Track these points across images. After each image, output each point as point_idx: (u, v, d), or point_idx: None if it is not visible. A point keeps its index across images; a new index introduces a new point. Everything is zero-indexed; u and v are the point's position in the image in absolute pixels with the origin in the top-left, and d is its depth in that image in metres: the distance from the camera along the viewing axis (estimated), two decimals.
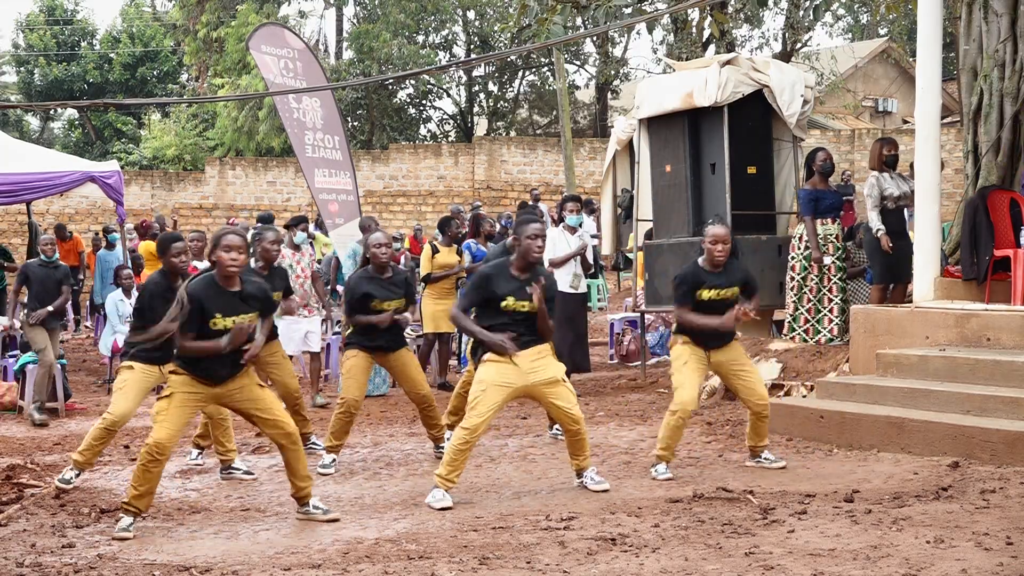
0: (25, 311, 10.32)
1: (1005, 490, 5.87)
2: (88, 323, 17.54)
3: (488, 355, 6.21)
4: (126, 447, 8.33)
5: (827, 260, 9.34)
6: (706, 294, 6.66)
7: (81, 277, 18.47)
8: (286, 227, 11.17)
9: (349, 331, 7.48)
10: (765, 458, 6.90)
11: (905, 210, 9.46)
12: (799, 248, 9.46)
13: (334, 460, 7.34)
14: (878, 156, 9.39)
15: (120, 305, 11.51)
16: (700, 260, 6.75)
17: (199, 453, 7.65)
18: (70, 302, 12.27)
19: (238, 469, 7.14)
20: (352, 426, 7.48)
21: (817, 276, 9.37)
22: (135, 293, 11.79)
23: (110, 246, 15.73)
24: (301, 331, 10.24)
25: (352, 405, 7.26)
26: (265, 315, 6.01)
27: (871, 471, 6.61)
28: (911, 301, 9.04)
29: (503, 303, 6.19)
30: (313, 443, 7.79)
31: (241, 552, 5.27)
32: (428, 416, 7.55)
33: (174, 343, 6.72)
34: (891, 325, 8.30)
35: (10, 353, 11.49)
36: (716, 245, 6.64)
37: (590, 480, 6.41)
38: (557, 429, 8.27)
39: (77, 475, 6.83)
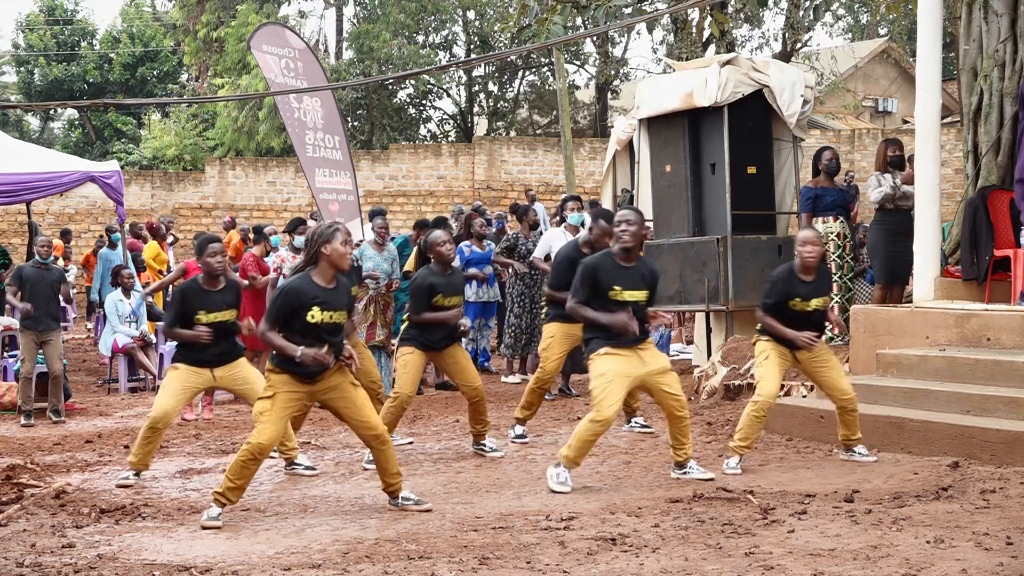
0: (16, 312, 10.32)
1: (1005, 490, 5.87)
2: (89, 324, 17.54)
3: (605, 348, 6.31)
4: (126, 447, 8.33)
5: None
6: (796, 304, 6.78)
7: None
8: (285, 231, 11.16)
9: (404, 327, 7.61)
10: (859, 452, 6.93)
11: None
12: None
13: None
14: (883, 157, 9.41)
15: (120, 305, 11.52)
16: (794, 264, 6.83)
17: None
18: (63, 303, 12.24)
19: (300, 464, 7.17)
20: (401, 419, 7.68)
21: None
22: (135, 293, 11.81)
23: (112, 245, 15.72)
24: None
25: (405, 400, 7.47)
26: (350, 313, 6.04)
27: (871, 471, 6.61)
28: (910, 301, 9.04)
29: (611, 293, 6.32)
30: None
31: (241, 552, 5.27)
32: (477, 411, 7.64)
33: (225, 346, 6.85)
34: (891, 325, 8.30)
35: (10, 353, 11.49)
36: (805, 247, 6.73)
37: (694, 470, 6.55)
38: (634, 422, 8.31)
39: (136, 475, 6.97)
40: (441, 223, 11.60)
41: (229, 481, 5.84)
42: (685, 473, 6.57)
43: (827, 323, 7.04)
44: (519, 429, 8.20)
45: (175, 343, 7.18)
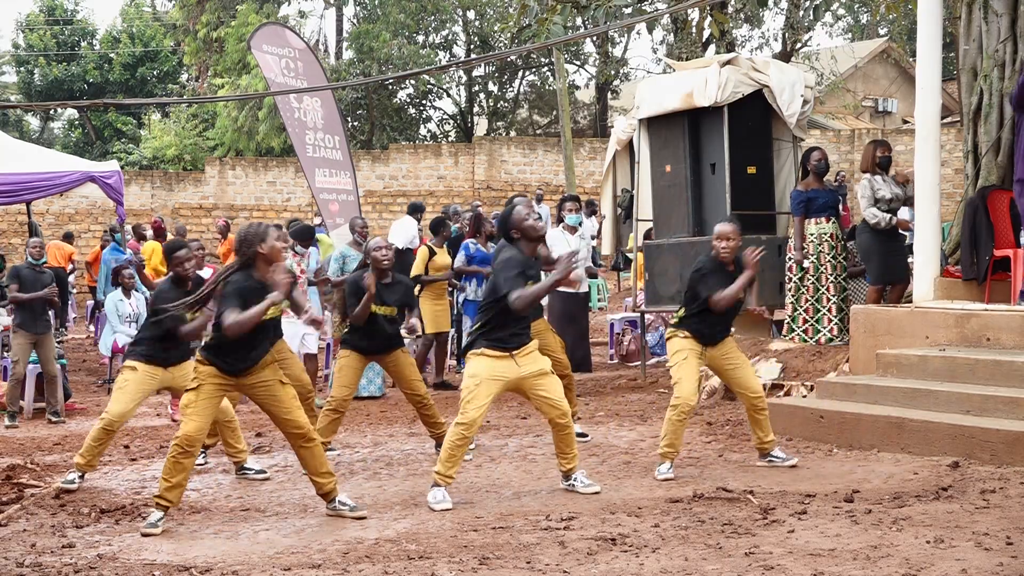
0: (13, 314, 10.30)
1: (1005, 490, 5.87)
2: (90, 327, 17.53)
3: (481, 350, 6.16)
4: (126, 447, 8.33)
5: (806, 263, 9.35)
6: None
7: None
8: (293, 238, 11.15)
9: (344, 331, 7.51)
10: (775, 456, 6.89)
11: (901, 211, 9.47)
12: (800, 248, 9.48)
13: (338, 453, 7.40)
14: (871, 158, 9.38)
15: (120, 305, 11.51)
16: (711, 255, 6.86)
17: (203, 454, 7.65)
18: (62, 304, 12.24)
19: (251, 469, 7.15)
20: (339, 425, 7.54)
21: (814, 276, 9.37)
22: (135, 293, 11.81)
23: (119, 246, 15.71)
24: (299, 333, 10.26)
25: (340, 404, 7.36)
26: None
27: (871, 471, 6.61)
28: (909, 301, 9.04)
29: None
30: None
31: (241, 552, 5.27)
32: (427, 415, 7.57)
33: (177, 342, 6.80)
34: (891, 325, 8.30)
35: (10, 355, 11.48)
36: (720, 242, 6.73)
37: (580, 483, 6.36)
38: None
39: (81, 477, 6.86)
40: (441, 224, 11.62)
41: (165, 481, 5.74)
42: (571, 485, 6.36)
43: (752, 310, 7.00)
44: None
45: (130, 342, 7.12)
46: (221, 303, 5.73)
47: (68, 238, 19.21)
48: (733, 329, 7.01)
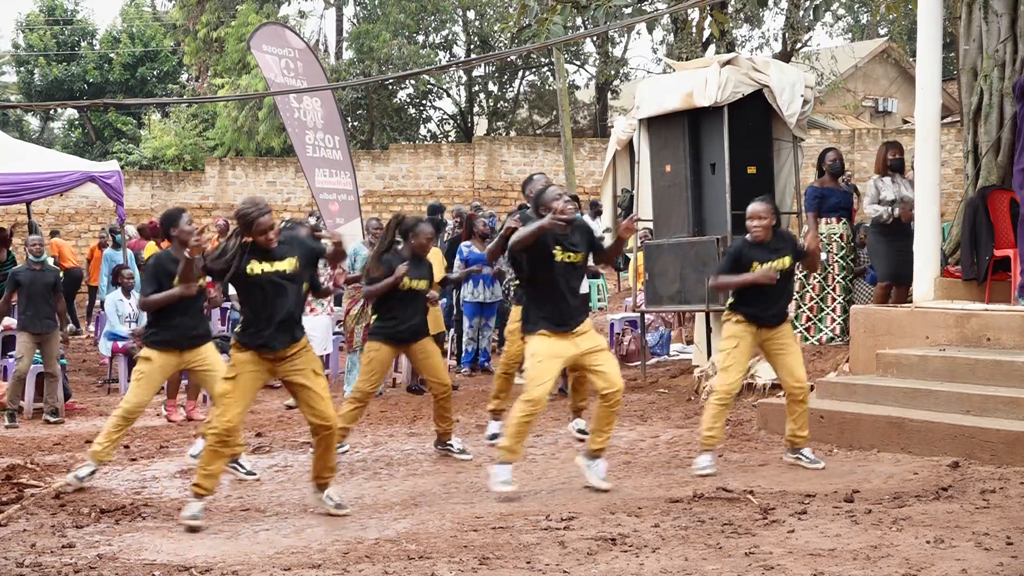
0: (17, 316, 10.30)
1: (1005, 490, 5.87)
2: (90, 327, 17.52)
3: (540, 329, 6.28)
4: (126, 447, 8.33)
5: (823, 256, 9.36)
6: (756, 268, 6.78)
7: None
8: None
9: (374, 318, 7.57)
10: (803, 455, 6.86)
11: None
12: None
13: (345, 450, 7.40)
14: (882, 160, 9.41)
15: (120, 305, 11.51)
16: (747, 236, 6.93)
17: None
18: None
19: (242, 467, 7.14)
20: (362, 415, 7.62)
21: (820, 274, 9.37)
22: (135, 293, 11.81)
23: (116, 245, 15.73)
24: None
25: (365, 396, 7.43)
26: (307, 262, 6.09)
27: (871, 471, 6.61)
28: (911, 301, 9.04)
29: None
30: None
31: (241, 552, 5.27)
32: (442, 408, 7.58)
33: (194, 327, 6.91)
34: (891, 325, 8.30)
35: (10, 353, 11.48)
36: (751, 221, 6.82)
37: (596, 474, 6.45)
38: (575, 424, 8.25)
39: (93, 471, 6.89)
40: (438, 224, 11.61)
41: (202, 470, 5.86)
42: (589, 467, 6.46)
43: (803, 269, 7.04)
44: (495, 426, 8.06)
45: (148, 329, 7.13)
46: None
47: (54, 236, 19.19)
48: (791, 312, 7.01)
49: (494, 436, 8.00)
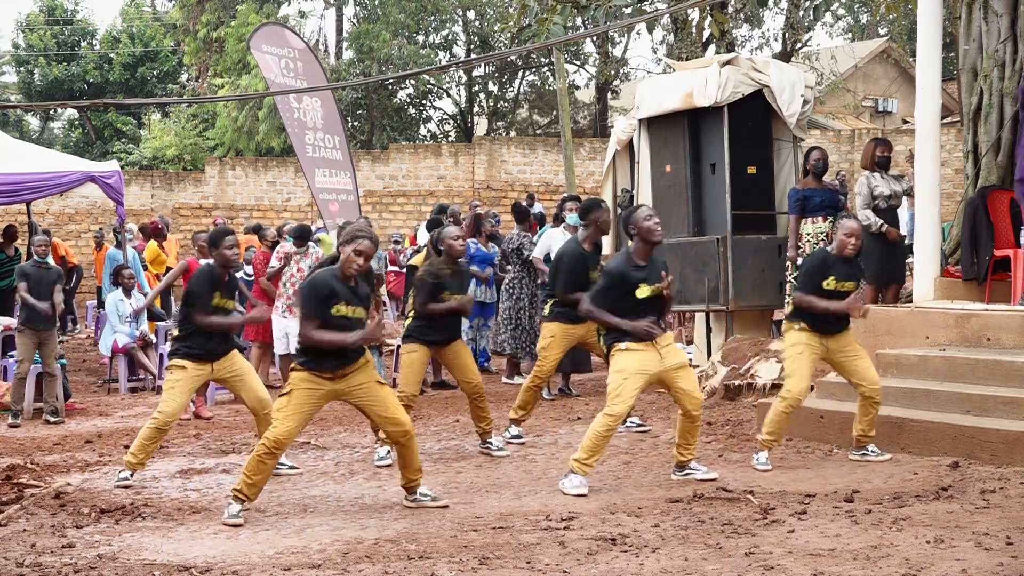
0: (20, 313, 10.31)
1: (1005, 490, 5.87)
2: (88, 324, 17.53)
3: (625, 343, 6.33)
4: (126, 447, 8.32)
5: (800, 261, 9.36)
6: (831, 283, 6.83)
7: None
8: (296, 237, 11.16)
9: (408, 322, 7.63)
10: (871, 451, 6.93)
11: (899, 210, 9.46)
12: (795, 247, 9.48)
13: (389, 451, 7.42)
14: (871, 156, 9.41)
15: (120, 305, 11.51)
16: (830, 248, 6.95)
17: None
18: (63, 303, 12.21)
19: (283, 464, 7.15)
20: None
21: None
22: (135, 293, 11.81)
23: (119, 245, 15.73)
24: (284, 331, 10.30)
25: (410, 399, 7.46)
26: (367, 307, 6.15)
27: (871, 471, 6.61)
28: (908, 301, 9.04)
29: (638, 292, 6.36)
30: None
31: (241, 552, 5.27)
32: (478, 408, 7.64)
33: (222, 338, 6.98)
34: (891, 325, 8.30)
35: (10, 353, 11.48)
36: (851, 239, 6.82)
37: (698, 471, 6.54)
38: (630, 422, 8.29)
39: (131, 475, 6.97)
40: (438, 224, 11.61)
41: (247, 478, 5.90)
42: (687, 474, 6.56)
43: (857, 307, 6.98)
44: (515, 430, 8.17)
45: (178, 340, 7.14)
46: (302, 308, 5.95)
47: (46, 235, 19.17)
48: (852, 324, 7.04)
49: (517, 436, 8.09)
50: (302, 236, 10.92)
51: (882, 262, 9.15)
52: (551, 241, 10.30)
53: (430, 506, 6.07)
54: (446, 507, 6.05)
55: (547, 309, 8.09)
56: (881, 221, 9.11)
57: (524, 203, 14.61)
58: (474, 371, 7.64)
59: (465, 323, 12.32)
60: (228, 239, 7.07)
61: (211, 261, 7.26)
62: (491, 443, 7.70)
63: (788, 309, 7.11)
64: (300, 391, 5.88)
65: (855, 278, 7.00)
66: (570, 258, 7.96)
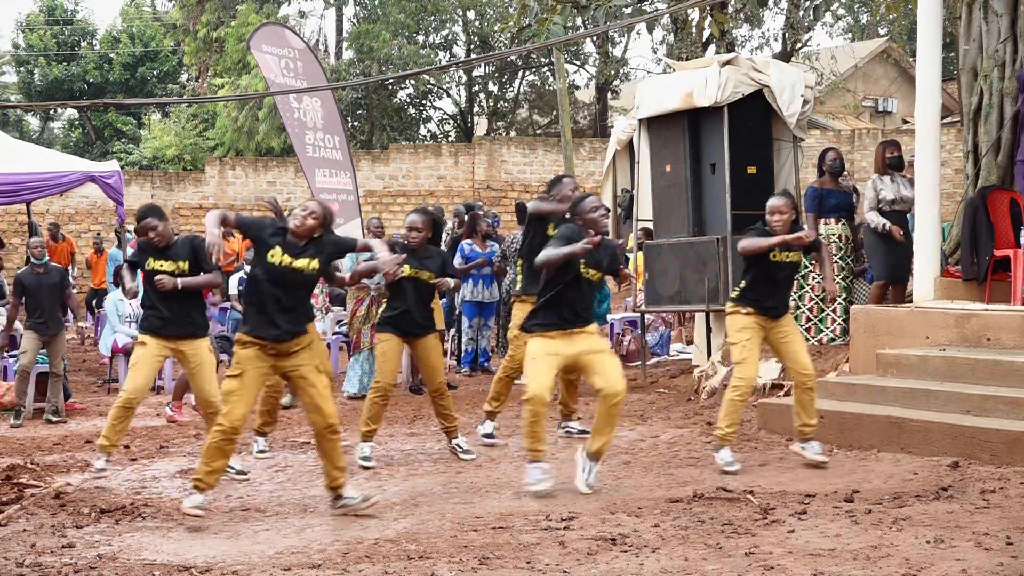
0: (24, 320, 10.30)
1: (1005, 490, 5.87)
2: (88, 323, 17.53)
3: (536, 330, 6.30)
4: (126, 447, 8.33)
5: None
6: (776, 255, 6.83)
7: (75, 275, 18.54)
8: None
9: (382, 309, 7.59)
10: (809, 446, 6.87)
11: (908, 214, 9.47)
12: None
13: (372, 447, 7.40)
14: (881, 159, 9.42)
15: (120, 305, 11.51)
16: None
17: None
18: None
19: (231, 468, 7.13)
20: (385, 411, 7.60)
21: (818, 276, 9.37)
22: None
23: (119, 245, 15.73)
24: None
25: (387, 388, 7.41)
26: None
27: (871, 471, 6.61)
28: (911, 301, 9.03)
29: (582, 269, 6.33)
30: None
31: (241, 552, 5.27)
32: (440, 407, 7.60)
33: (188, 317, 7.04)
34: (891, 325, 8.30)
35: (10, 353, 11.48)
36: (772, 216, 6.83)
37: (589, 474, 6.41)
38: (564, 427, 8.27)
39: (107, 460, 7.04)
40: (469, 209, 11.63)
41: (205, 465, 5.86)
42: (584, 468, 6.41)
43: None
44: (488, 427, 8.11)
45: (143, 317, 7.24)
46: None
47: (53, 229, 19.21)
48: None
49: (488, 436, 8.06)
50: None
51: (889, 259, 9.16)
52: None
53: (360, 508, 5.93)
54: (375, 503, 5.95)
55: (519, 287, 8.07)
56: (885, 221, 9.11)
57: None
58: (439, 370, 7.59)
59: (465, 323, 12.35)
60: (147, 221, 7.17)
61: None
62: (458, 444, 7.67)
63: (734, 293, 7.05)
64: (249, 371, 5.86)
65: (796, 249, 6.92)
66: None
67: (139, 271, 7.39)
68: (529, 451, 6.34)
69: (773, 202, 6.91)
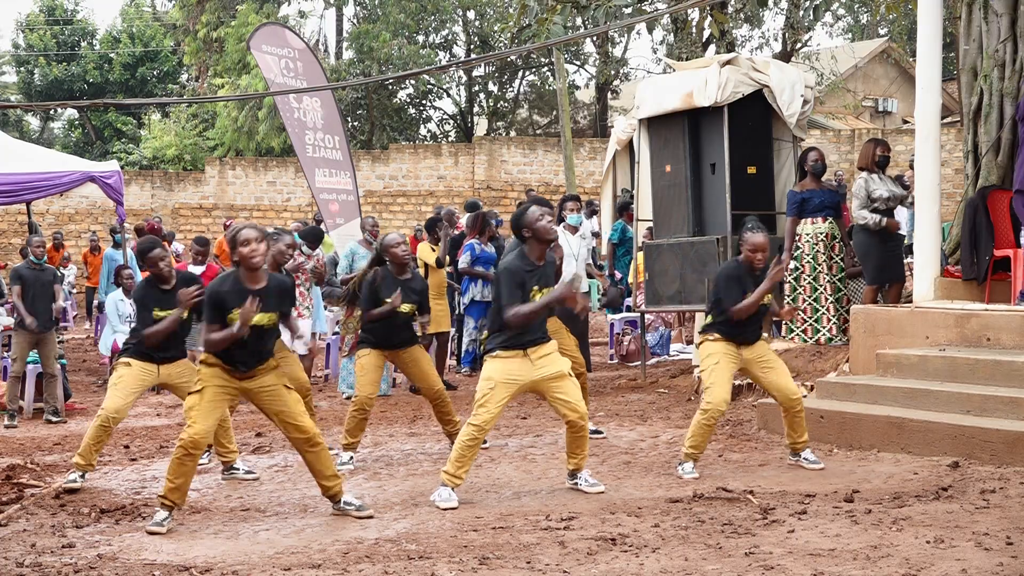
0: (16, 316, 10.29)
1: (1005, 490, 5.87)
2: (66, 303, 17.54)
3: (496, 352, 6.17)
4: (126, 447, 8.33)
5: (792, 263, 9.35)
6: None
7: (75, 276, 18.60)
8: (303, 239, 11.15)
9: (362, 330, 7.52)
10: (804, 457, 6.85)
11: (898, 210, 9.46)
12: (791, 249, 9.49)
13: (351, 458, 7.38)
14: (870, 156, 9.38)
15: (120, 305, 11.50)
16: (740, 259, 6.82)
17: (207, 453, 7.66)
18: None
19: (239, 469, 7.14)
20: (367, 424, 7.54)
21: (810, 275, 9.36)
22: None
23: (117, 246, 15.73)
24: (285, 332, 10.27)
25: (365, 402, 7.34)
26: (285, 313, 6.02)
27: (871, 471, 6.61)
28: (908, 301, 9.03)
29: (532, 293, 6.14)
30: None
31: (241, 552, 5.27)
32: (442, 411, 7.58)
33: (174, 341, 6.83)
34: (891, 325, 8.30)
35: (7, 354, 11.49)
36: (756, 254, 6.71)
37: (584, 482, 6.38)
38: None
39: (82, 476, 6.87)
40: (435, 223, 11.61)
41: (169, 482, 5.79)
42: (576, 484, 6.38)
43: (775, 317, 6.92)
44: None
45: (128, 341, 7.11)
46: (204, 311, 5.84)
47: (56, 238, 19.26)
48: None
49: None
50: (314, 238, 10.89)
51: (881, 262, 9.15)
52: None
53: (354, 515, 5.92)
54: (371, 516, 5.88)
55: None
56: (878, 217, 9.09)
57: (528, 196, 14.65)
58: (433, 376, 7.55)
59: (471, 323, 12.34)
60: (153, 253, 6.97)
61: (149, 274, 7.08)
62: None
63: (707, 320, 7.00)
64: (211, 388, 5.81)
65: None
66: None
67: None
68: (453, 476, 6.11)
69: (757, 239, 6.73)
